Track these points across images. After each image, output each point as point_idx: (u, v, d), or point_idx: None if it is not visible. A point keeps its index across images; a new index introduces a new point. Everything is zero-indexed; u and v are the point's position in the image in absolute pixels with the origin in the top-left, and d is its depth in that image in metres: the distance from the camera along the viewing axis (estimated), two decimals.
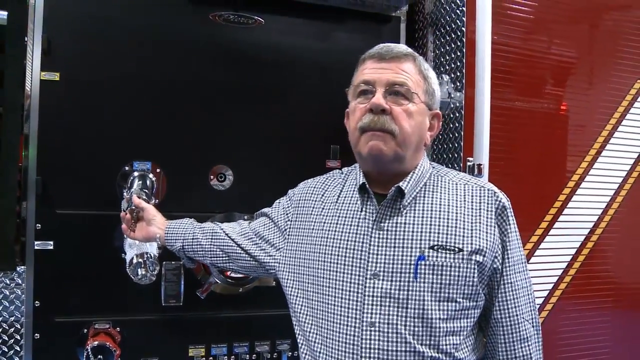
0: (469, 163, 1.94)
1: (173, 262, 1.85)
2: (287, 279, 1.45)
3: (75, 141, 1.83)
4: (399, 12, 2.20)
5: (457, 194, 1.35)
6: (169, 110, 1.93)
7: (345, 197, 1.42)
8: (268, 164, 2.02)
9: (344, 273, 1.31)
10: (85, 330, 1.82)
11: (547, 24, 2.21)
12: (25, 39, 1.79)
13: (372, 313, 1.26)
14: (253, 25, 2.01)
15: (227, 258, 1.58)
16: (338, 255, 1.33)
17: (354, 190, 1.41)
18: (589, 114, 2.29)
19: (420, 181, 1.36)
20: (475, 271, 1.28)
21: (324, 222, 1.40)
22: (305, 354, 1.38)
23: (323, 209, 1.44)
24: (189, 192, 1.94)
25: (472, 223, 1.30)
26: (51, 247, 1.80)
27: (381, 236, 1.30)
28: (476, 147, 1.93)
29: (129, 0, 1.89)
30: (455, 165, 2.00)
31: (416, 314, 1.25)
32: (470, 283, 1.28)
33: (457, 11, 2.03)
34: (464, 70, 1.99)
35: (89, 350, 1.73)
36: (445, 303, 1.26)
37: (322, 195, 1.48)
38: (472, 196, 1.34)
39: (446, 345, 1.26)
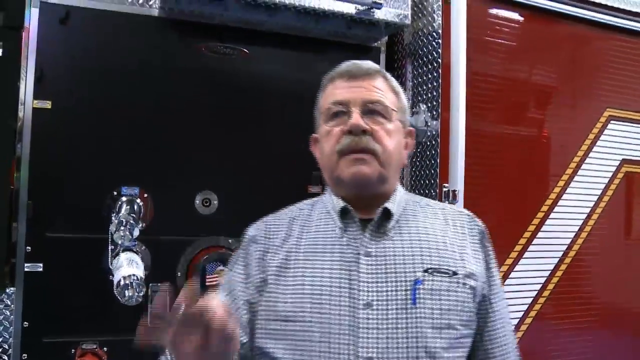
0: (444, 189, 2.01)
1: (159, 284, 1.90)
2: (263, 329, 1.21)
3: (66, 167, 1.88)
4: (379, 43, 2.28)
5: (437, 218, 1.28)
6: (157, 138, 1.98)
7: (318, 226, 1.28)
8: (252, 190, 2.08)
9: (330, 305, 1.15)
10: (73, 350, 1.84)
11: (522, 54, 2.30)
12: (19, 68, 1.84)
13: (368, 348, 1.11)
14: (238, 55, 2.08)
15: None
16: (322, 286, 1.18)
17: (328, 218, 1.28)
18: (562, 139, 2.36)
19: (401, 203, 1.28)
20: (471, 296, 1.19)
21: (299, 256, 1.23)
22: None
23: (295, 243, 1.26)
24: (175, 217, 1.99)
25: (460, 247, 1.23)
26: (40, 269, 1.82)
27: (370, 262, 1.18)
28: (451, 174, 2.00)
29: (119, 32, 1.95)
30: (432, 192, 2.07)
31: (418, 343, 1.12)
32: (467, 309, 1.18)
33: (434, 43, 2.12)
34: (439, 100, 2.06)
35: None
36: (446, 331, 1.14)
37: (289, 229, 1.30)
38: (453, 220, 1.28)
39: None
